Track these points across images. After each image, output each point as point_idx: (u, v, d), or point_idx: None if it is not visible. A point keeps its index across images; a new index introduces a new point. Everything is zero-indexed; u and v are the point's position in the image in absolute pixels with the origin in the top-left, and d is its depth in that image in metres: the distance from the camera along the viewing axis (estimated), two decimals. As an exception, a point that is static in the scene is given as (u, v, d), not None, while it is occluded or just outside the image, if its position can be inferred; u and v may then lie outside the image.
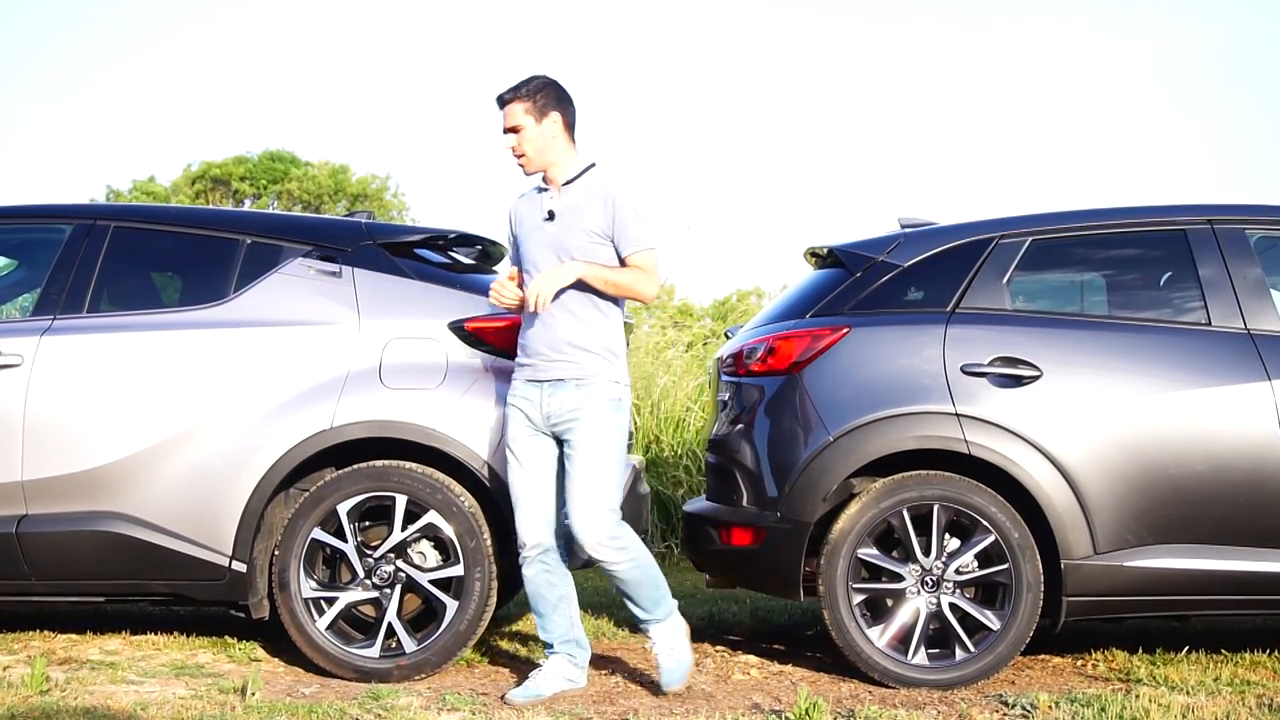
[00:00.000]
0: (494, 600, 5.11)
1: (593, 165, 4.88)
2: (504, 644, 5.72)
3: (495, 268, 5.87)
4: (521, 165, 4.88)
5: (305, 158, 31.76)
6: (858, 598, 5.09)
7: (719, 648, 5.81)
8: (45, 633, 5.80)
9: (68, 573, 5.18)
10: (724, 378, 5.62)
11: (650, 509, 6.08)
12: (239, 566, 5.09)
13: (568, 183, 4.84)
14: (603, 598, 6.99)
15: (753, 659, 5.57)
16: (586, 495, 4.70)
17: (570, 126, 4.88)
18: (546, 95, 4.82)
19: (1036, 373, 5.08)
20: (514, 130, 4.83)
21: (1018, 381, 5.08)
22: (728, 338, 6.26)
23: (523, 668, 5.35)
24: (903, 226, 5.61)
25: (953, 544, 5.11)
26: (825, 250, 5.70)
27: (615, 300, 4.84)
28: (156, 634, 5.76)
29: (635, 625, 6.14)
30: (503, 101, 4.85)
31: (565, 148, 4.86)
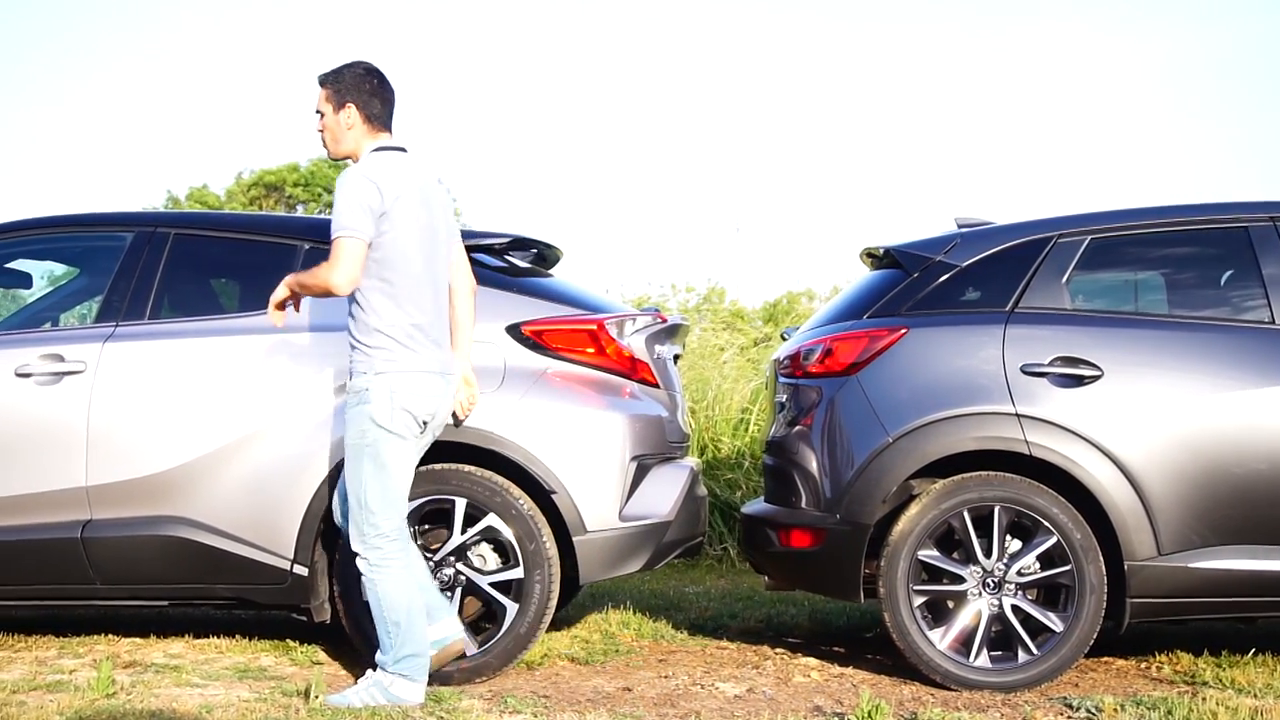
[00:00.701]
0: (554, 603, 5.11)
1: (375, 153, 4.77)
2: (563, 646, 5.73)
3: (551, 271, 5.89)
4: (325, 149, 4.91)
5: (358, 164, 31.90)
6: (918, 600, 5.06)
7: (778, 650, 5.79)
8: (110, 636, 5.86)
9: (132, 577, 5.24)
10: (781, 379, 5.60)
11: (709, 512, 6.07)
12: (300, 570, 5.12)
13: None
14: (660, 600, 6.99)
15: (813, 661, 5.56)
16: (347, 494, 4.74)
17: (372, 118, 4.81)
18: (347, 85, 4.77)
19: (1097, 372, 5.04)
20: (318, 114, 4.85)
21: (1079, 381, 5.04)
22: (784, 339, 6.25)
23: (583, 670, 5.36)
24: (959, 226, 5.58)
25: (1014, 545, 5.08)
26: (881, 251, 5.68)
27: (384, 292, 4.63)
28: (219, 637, 5.81)
29: (695, 628, 6.16)
30: (318, 84, 4.87)
31: (362, 139, 4.81)
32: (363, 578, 4.69)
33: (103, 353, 5.25)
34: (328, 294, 4.65)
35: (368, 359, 4.64)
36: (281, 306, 4.77)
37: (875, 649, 5.76)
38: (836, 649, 5.85)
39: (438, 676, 5.00)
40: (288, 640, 5.74)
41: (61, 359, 5.25)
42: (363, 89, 4.77)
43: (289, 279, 4.74)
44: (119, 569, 5.21)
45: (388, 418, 4.61)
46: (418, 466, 5.12)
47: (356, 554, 4.69)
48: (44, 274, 6.65)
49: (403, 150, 4.81)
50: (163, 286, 5.43)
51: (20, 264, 6.18)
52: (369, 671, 4.74)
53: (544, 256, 5.83)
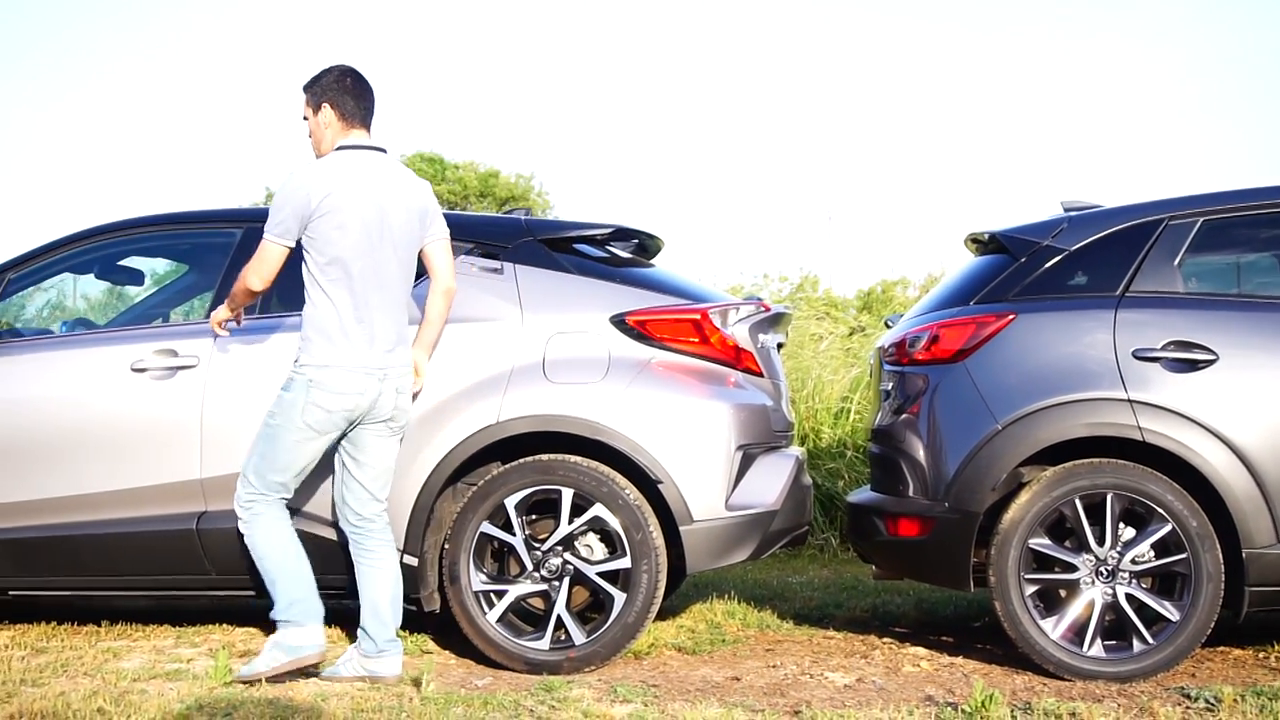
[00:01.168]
0: (661, 593, 5.12)
1: (334, 152, 4.90)
2: (669, 636, 5.74)
3: (652, 261, 5.89)
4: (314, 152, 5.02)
5: (453, 160, 32.24)
6: (1030, 588, 5.01)
7: (886, 640, 5.76)
8: (224, 626, 5.96)
9: (246, 567, 5.31)
10: (886, 367, 5.56)
11: (813, 501, 6.05)
12: (410, 560, 5.17)
13: None
14: (764, 590, 6.98)
15: (921, 650, 5.52)
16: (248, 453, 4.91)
17: (345, 116, 4.91)
18: (323, 87, 4.92)
19: (1212, 356, 4.94)
20: (304, 119, 4.99)
21: (1193, 366, 4.95)
22: (888, 326, 6.20)
23: (690, 659, 5.37)
24: (1066, 210, 5.50)
25: (1127, 533, 5.00)
26: (987, 236, 5.61)
27: (320, 286, 4.77)
28: (329, 626, 5.86)
29: (800, 617, 6.14)
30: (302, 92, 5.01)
31: (335, 137, 4.92)
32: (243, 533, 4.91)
33: (215, 347, 5.34)
34: (249, 294, 4.92)
35: (301, 349, 4.83)
36: (223, 325, 5.11)
37: (985, 638, 5.71)
38: (945, 638, 5.80)
39: (546, 666, 5.04)
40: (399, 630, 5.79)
41: (175, 354, 5.35)
42: (338, 89, 4.91)
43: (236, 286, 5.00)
44: (233, 560, 5.28)
45: (300, 411, 4.76)
46: (524, 456, 5.18)
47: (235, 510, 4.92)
48: (154, 271, 6.78)
49: (372, 149, 4.92)
50: (275, 280, 5.49)
51: (132, 261, 6.30)
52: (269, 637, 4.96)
53: (645, 247, 5.83)
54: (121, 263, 6.23)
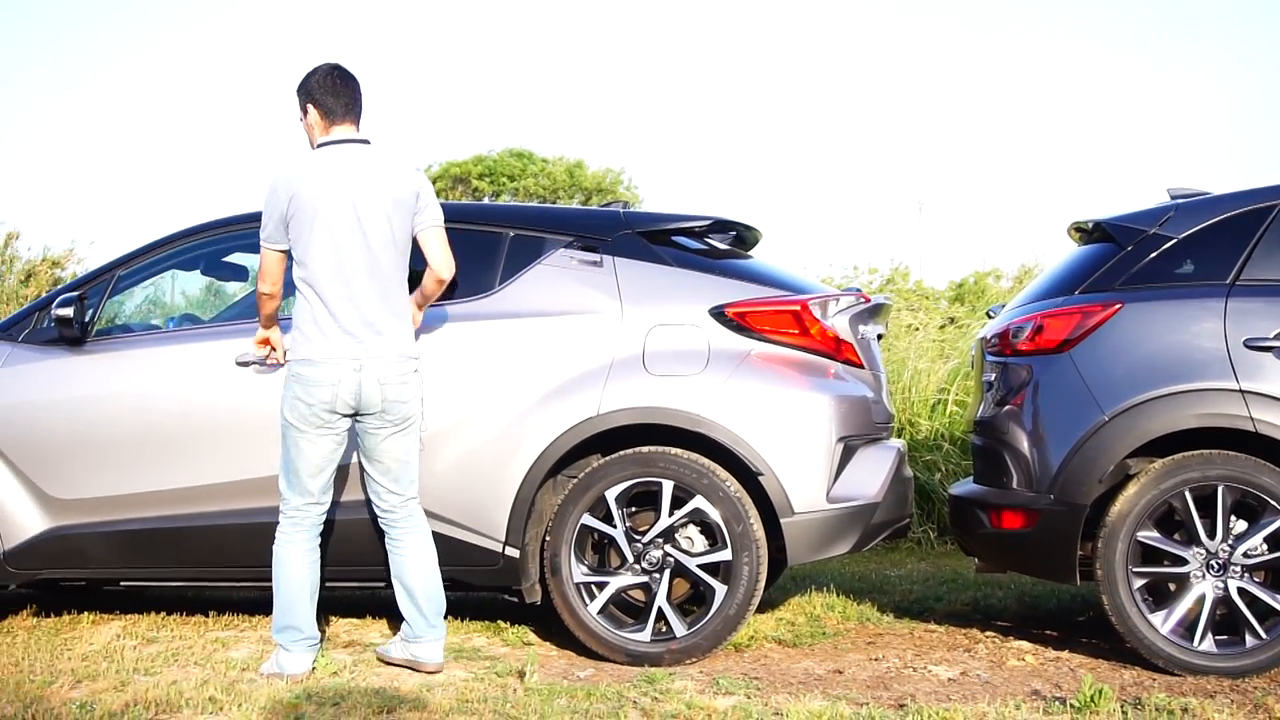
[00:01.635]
0: (762, 585, 5.11)
1: (314, 150, 4.95)
2: (769, 629, 5.72)
3: (750, 252, 5.87)
4: None
5: (542, 154, 32.40)
6: (1138, 582, 4.93)
7: (988, 633, 5.70)
8: (328, 617, 6.03)
9: (350, 559, 5.37)
10: (989, 358, 5.50)
11: (913, 494, 5.99)
12: (512, 552, 5.20)
13: None
14: (863, 583, 6.94)
15: (1026, 644, 5.45)
16: None
17: (327, 113, 4.92)
18: (306, 90, 4.96)
19: (1327, 346, 4.83)
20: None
21: (1306, 355, 4.84)
22: (990, 317, 6.13)
23: (791, 652, 5.35)
24: (1173, 198, 5.41)
25: (1239, 526, 4.91)
26: (1091, 225, 5.53)
27: (302, 281, 4.82)
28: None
29: (901, 611, 6.09)
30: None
31: (320, 135, 4.94)
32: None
33: None
34: (263, 298, 5.00)
35: (294, 345, 4.87)
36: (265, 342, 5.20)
37: (1090, 633, 5.63)
38: (1049, 632, 5.73)
39: (647, 658, 5.05)
40: (499, 621, 5.84)
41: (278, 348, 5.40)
42: (320, 88, 4.94)
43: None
44: (337, 551, 5.34)
45: (288, 406, 4.83)
46: (623, 449, 5.18)
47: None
48: (255, 267, 6.86)
49: (352, 142, 4.92)
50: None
51: (235, 257, 6.38)
52: None
53: (743, 238, 5.82)
54: (226, 259, 6.32)
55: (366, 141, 4.94)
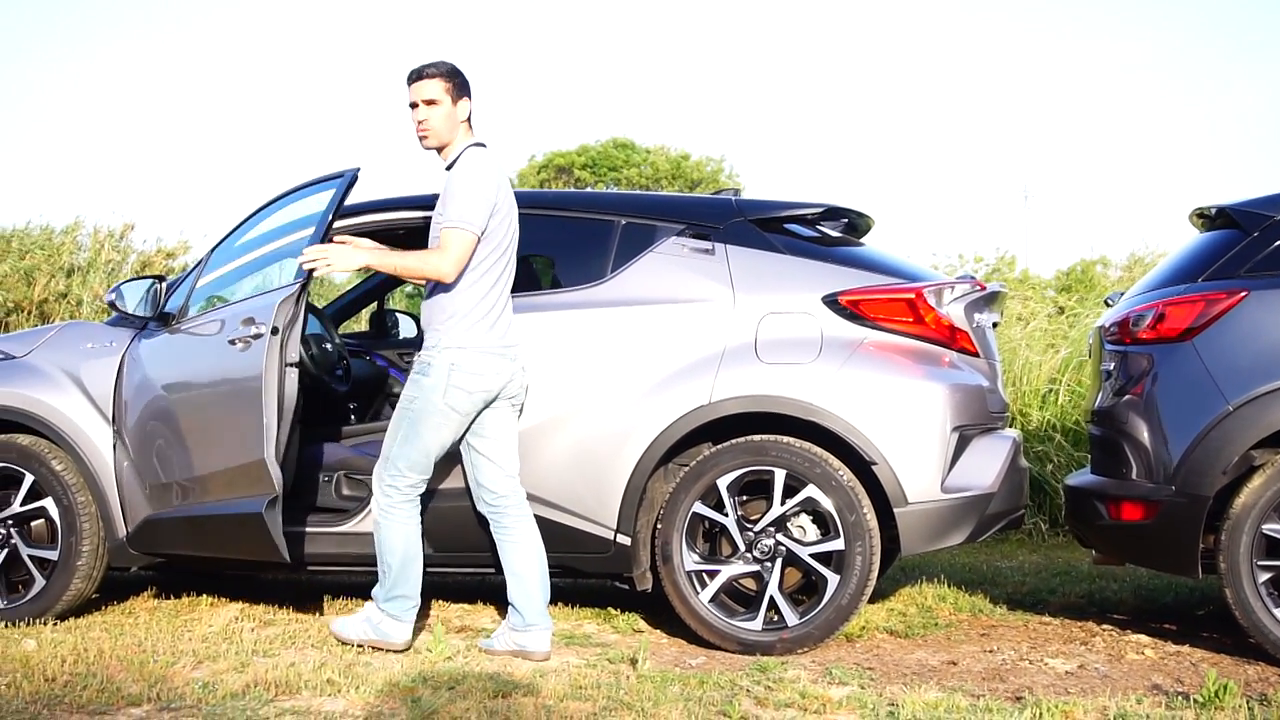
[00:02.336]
0: (875, 575, 5.07)
1: (470, 148, 4.99)
2: (880, 619, 5.67)
3: (862, 240, 5.82)
4: (424, 137, 5.01)
5: (645, 144, 32.46)
6: (1264, 575, 4.82)
7: (1105, 626, 5.61)
8: (439, 602, 6.09)
9: (463, 545, 5.41)
10: (1108, 346, 5.40)
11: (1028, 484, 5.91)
12: (624, 540, 5.21)
13: (448, 166, 5.00)
14: (973, 574, 6.86)
15: (1144, 638, 5.35)
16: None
17: (470, 115, 5.02)
18: (462, 81, 5.00)
19: None
20: (430, 103, 4.96)
21: None
22: (1108, 305, 6.02)
23: (903, 643, 5.30)
24: (1300, 182, 5.27)
25: (1369, 519, 4.78)
26: (1214, 211, 5.41)
27: (479, 273, 4.91)
28: (569, 606, 5.97)
29: (1013, 602, 6.02)
30: (420, 75, 4.99)
31: (464, 133, 5.01)
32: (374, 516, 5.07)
33: None
34: (426, 279, 4.97)
35: (440, 333, 4.90)
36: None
37: (1211, 626, 5.52)
38: (1167, 626, 5.62)
39: (759, 647, 5.03)
40: (608, 608, 5.86)
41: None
42: (469, 89, 5.04)
43: (374, 259, 5.03)
44: (450, 537, 5.39)
45: (444, 393, 4.89)
46: (734, 437, 5.17)
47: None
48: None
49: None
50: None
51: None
52: (365, 604, 5.19)
53: (855, 226, 5.77)
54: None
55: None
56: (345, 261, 5.02)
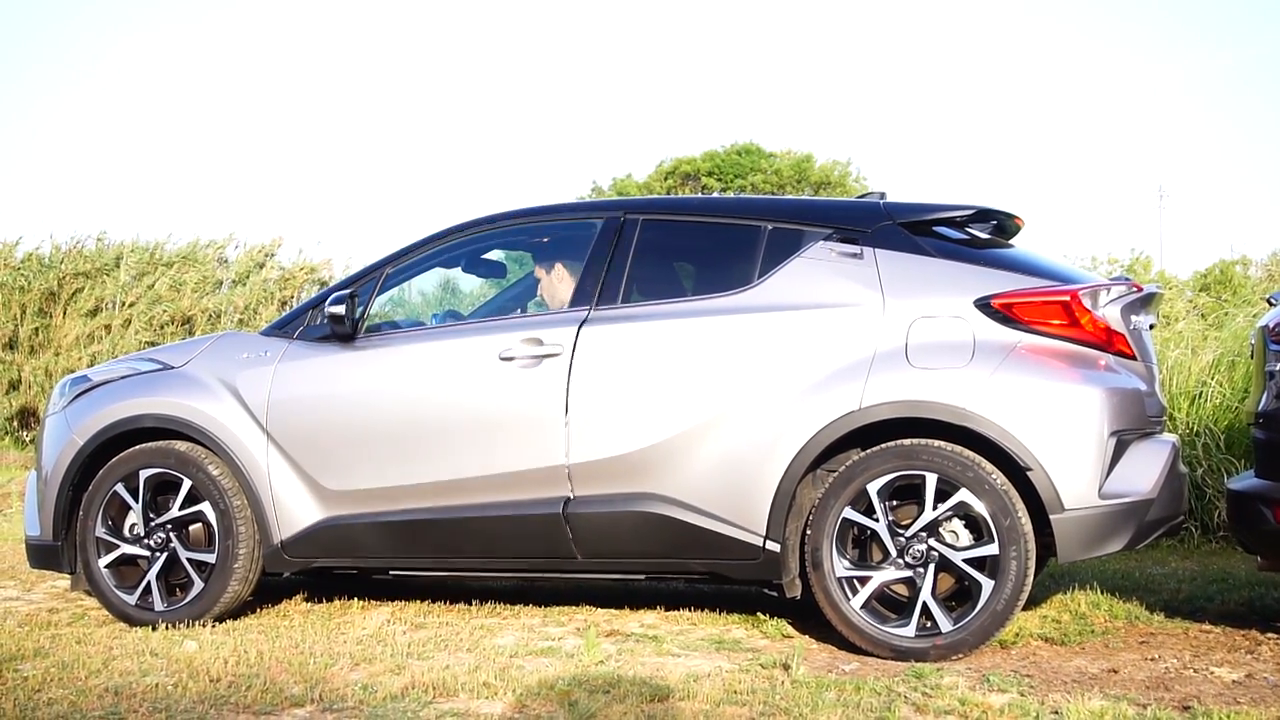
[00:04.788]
0: (1031, 581, 4.99)
1: None
2: (1034, 626, 5.58)
3: (1011, 241, 5.73)
4: None
5: (770, 149, 32.40)
6: None
7: (1270, 635, 5.45)
8: (587, 607, 6.13)
9: (612, 551, 5.44)
10: (1272, 346, 5.25)
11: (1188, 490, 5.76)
12: (773, 546, 5.19)
13: None
14: (1126, 581, 6.71)
15: (1312, 648, 5.20)
16: None
17: None
18: None
19: None
20: None
21: None
22: (1271, 304, 5.86)
23: (1060, 650, 5.21)
24: None
25: None
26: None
27: None
28: (689, 610, 5.98)
29: (1171, 610, 5.87)
30: None
31: None
32: None
33: (579, 336, 5.47)
34: None
35: None
36: None
37: (1381, 636, 5.34)
38: (1335, 635, 5.45)
39: (912, 653, 4.98)
40: (757, 614, 5.84)
41: (541, 342, 5.51)
42: None
43: None
44: (599, 543, 5.42)
45: None
46: (882, 442, 5.13)
47: None
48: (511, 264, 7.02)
49: None
50: (633, 271, 5.61)
51: (495, 254, 6.54)
52: None
53: (1004, 227, 5.69)
54: (485, 256, 6.48)
55: None
56: None
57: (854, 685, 4.54)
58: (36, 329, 15.65)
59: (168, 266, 13.60)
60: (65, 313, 15.39)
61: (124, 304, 15.10)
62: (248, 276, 13.93)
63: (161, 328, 12.87)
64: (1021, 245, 5.77)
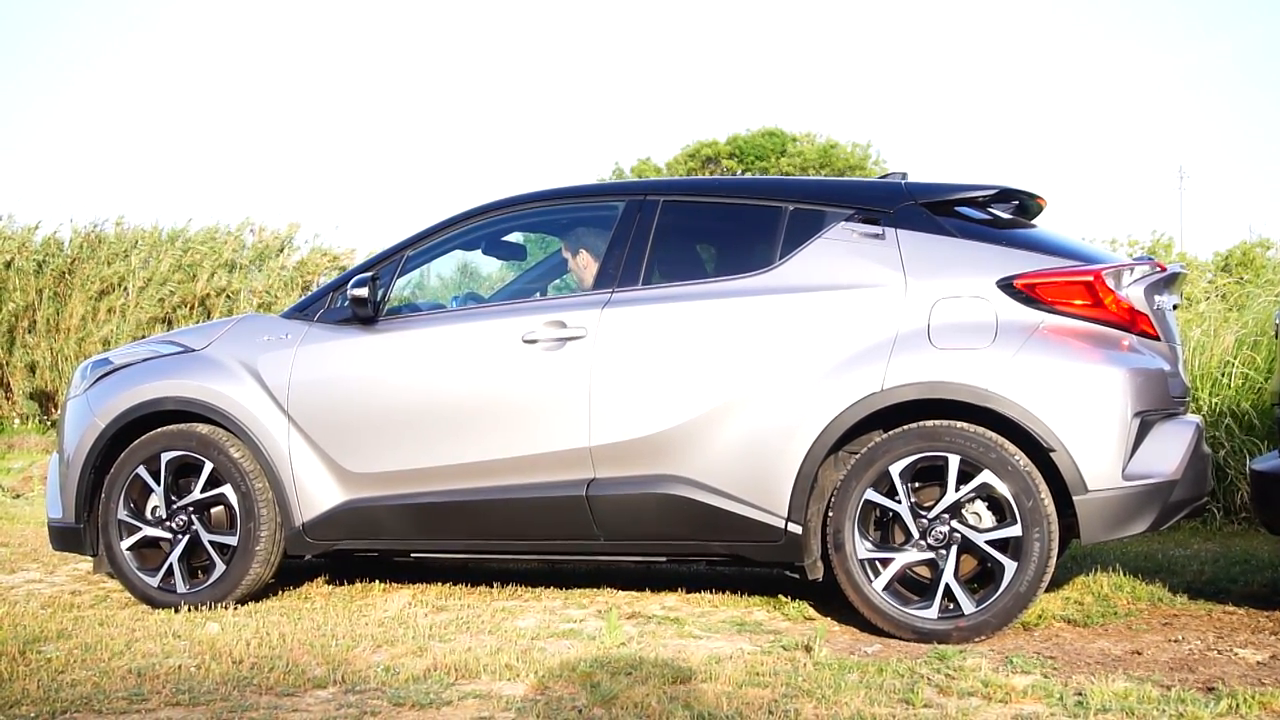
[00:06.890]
0: (1054, 562, 4.97)
1: None
2: (1056, 608, 5.56)
3: (1033, 221, 5.70)
4: None
5: (793, 132, 32.30)
6: None
7: (1292, 617, 5.43)
8: (608, 589, 6.13)
9: (634, 533, 5.43)
10: (1296, 328, 5.23)
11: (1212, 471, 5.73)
12: (795, 528, 5.19)
13: None
14: (1148, 562, 6.70)
15: (1337, 629, 5.18)
16: None
17: None
18: None
19: None
20: None
21: None
22: (1295, 286, 5.83)
23: (1083, 632, 5.20)
24: None
25: None
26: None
27: None
28: (710, 592, 5.98)
29: (1193, 591, 5.85)
30: None
31: None
32: None
33: (601, 318, 5.46)
34: None
35: None
36: None
37: (1407, 618, 5.31)
38: (1360, 617, 5.43)
39: (935, 635, 4.97)
40: (778, 596, 5.84)
41: (564, 325, 5.50)
42: None
43: None
44: (621, 525, 5.41)
45: None
46: (904, 423, 5.11)
47: None
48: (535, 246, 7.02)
49: None
50: (655, 253, 5.59)
51: (514, 236, 6.53)
52: None
53: (1026, 207, 5.66)
54: (505, 239, 6.47)
55: None
56: None
57: (876, 667, 4.53)
58: (53, 311, 15.68)
59: (184, 251, 13.65)
60: (73, 297, 15.42)
61: (139, 288, 15.14)
62: (263, 261, 13.96)
63: (174, 310, 12.92)
64: (1043, 226, 5.73)
